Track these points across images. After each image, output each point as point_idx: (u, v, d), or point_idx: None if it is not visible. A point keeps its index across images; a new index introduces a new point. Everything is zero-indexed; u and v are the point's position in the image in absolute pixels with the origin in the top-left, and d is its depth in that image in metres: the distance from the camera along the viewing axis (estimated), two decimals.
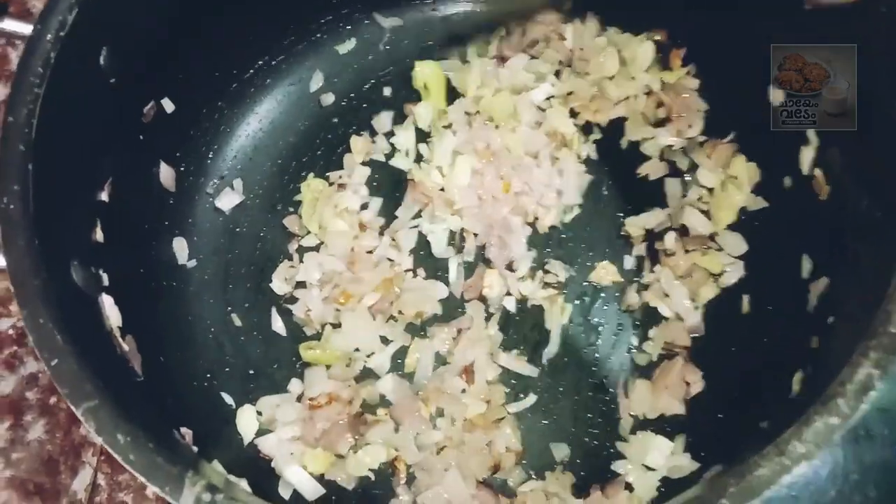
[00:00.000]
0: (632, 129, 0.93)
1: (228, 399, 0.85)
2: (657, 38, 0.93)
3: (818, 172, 0.76)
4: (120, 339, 0.70)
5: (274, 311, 0.89)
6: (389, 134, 0.97)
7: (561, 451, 0.81)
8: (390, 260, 0.90)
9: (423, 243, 0.91)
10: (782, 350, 0.73)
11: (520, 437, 0.82)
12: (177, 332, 0.86)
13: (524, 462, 0.81)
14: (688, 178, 0.90)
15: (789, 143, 0.78)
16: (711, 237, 0.87)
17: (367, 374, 0.86)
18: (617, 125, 0.94)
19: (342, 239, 0.90)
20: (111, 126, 0.77)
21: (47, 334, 0.57)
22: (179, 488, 0.52)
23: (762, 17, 0.77)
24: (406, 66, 0.98)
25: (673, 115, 0.92)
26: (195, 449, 0.70)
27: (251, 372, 0.87)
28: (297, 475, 0.79)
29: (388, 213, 0.93)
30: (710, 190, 0.88)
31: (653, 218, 0.89)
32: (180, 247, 0.90)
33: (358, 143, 0.96)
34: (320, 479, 0.80)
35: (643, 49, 0.93)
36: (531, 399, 0.83)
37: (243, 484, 0.65)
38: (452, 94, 0.97)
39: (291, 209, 0.94)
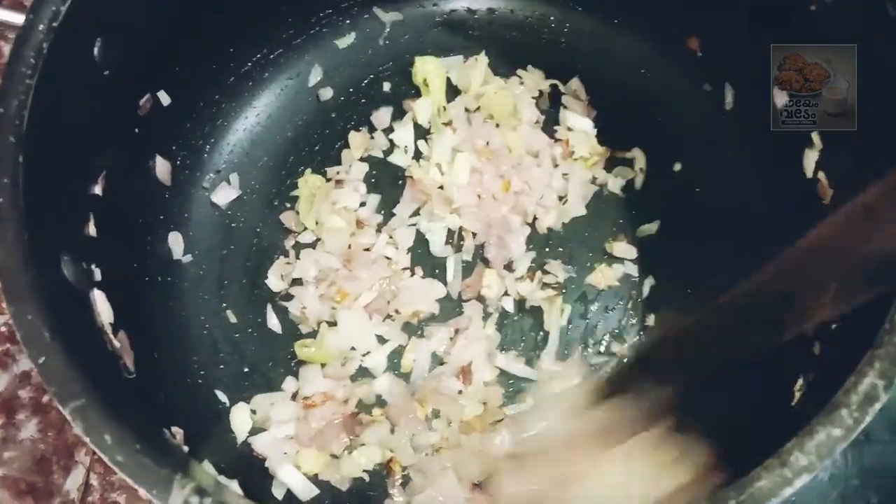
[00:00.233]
0: None
1: (222, 396, 0.83)
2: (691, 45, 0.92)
3: (822, 176, 0.75)
4: (111, 336, 0.69)
5: (269, 308, 0.88)
6: (388, 130, 0.95)
7: None
8: (388, 258, 0.89)
9: (421, 241, 0.90)
10: (783, 356, 0.72)
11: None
12: (170, 328, 0.85)
13: None
14: None
15: (793, 146, 0.78)
16: None
17: (363, 374, 0.85)
18: None
19: (339, 236, 0.89)
20: (106, 119, 0.76)
21: (35, 331, 0.56)
22: (168, 490, 0.51)
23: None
24: (406, 62, 0.97)
25: None
26: (186, 448, 0.69)
27: (245, 370, 0.86)
28: (290, 475, 0.78)
29: (386, 211, 0.92)
30: None
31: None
32: (175, 241, 0.89)
33: (356, 138, 0.95)
34: (314, 479, 0.79)
35: None
36: (530, 402, 0.82)
37: (234, 486, 0.64)
38: (452, 91, 0.96)
39: (288, 205, 0.92)
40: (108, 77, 0.73)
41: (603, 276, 0.87)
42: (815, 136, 0.76)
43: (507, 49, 0.98)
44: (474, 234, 0.90)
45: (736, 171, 0.88)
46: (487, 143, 0.92)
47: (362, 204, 0.92)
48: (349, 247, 0.89)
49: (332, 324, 0.86)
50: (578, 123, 0.93)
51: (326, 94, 0.97)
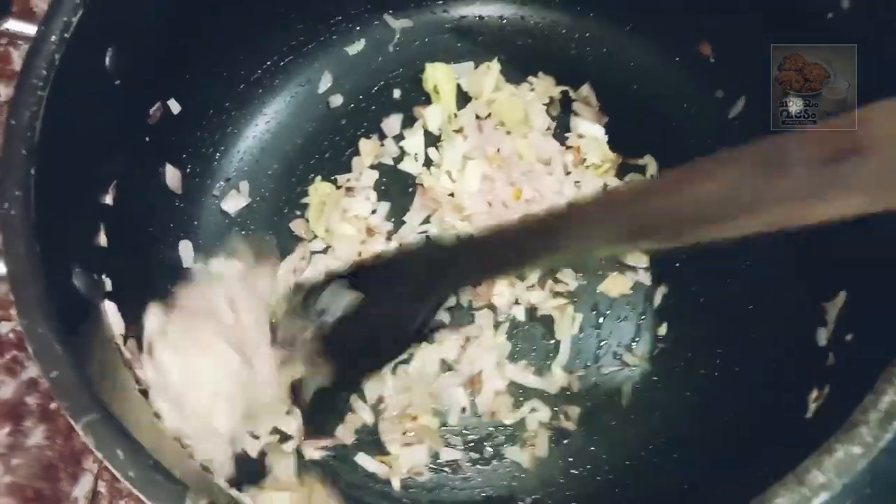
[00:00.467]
0: None
1: None
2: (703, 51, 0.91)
3: None
4: (122, 346, 0.69)
5: None
6: (398, 137, 0.95)
7: None
8: None
9: None
10: (795, 365, 0.72)
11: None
12: None
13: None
14: None
15: None
16: None
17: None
18: None
19: (349, 243, 0.89)
20: (116, 128, 0.76)
21: (47, 345, 0.55)
22: None
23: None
24: (416, 69, 0.96)
25: None
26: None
27: None
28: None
29: (397, 218, 0.91)
30: None
31: None
32: (185, 249, 0.89)
33: (366, 146, 0.94)
34: None
35: None
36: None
37: (247, 500, 0.64)
38: (463, 98, 0.95)
39: (298, 213, 0.92)
40: (118, 86, 0.73)
41: (615, 285, 0.87)
42: None
43: (518, 56, 0.97)
44: None
45: None
46: (498, 151, 0.91)
47: (373, 211, 0.91)
48: (359, 254, 0.89)
49: None
50: (589, 130, 0.93)
51: (336, 100, 0.97)
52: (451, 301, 0.87)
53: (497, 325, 0.86)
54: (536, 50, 0.98)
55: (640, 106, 0.94)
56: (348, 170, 0.94)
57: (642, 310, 0.86)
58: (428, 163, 0.93)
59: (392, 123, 0.95)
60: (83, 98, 0.69)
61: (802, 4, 0.75)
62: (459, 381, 0.83)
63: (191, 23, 0.81)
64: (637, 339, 0.85)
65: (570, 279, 0.87)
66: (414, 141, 0.94)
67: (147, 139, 0.81)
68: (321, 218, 0.90)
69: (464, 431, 0.82)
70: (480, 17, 0.99)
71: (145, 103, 0.81)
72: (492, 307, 0.87)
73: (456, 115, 0.94)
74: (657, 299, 0.86)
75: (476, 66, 0.96)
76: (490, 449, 0.82)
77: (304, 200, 0.92)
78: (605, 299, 0.87)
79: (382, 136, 0.95)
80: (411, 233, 0.90)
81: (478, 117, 0.94)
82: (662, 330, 0.85)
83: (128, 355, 0.68)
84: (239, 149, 0.95)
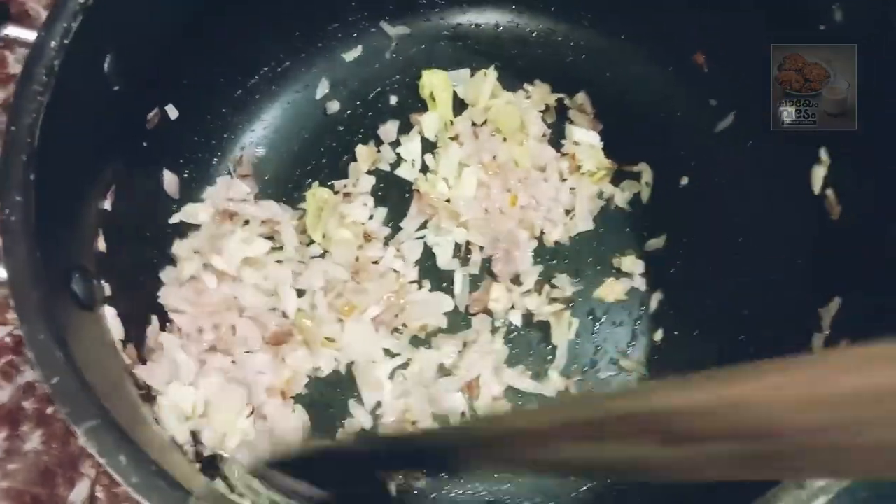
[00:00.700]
0: None
1: None
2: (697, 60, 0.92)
3: (830, 192, 0.76)
4: (122, 351, 0.69)
5: None
6: (395, 143, 0.95)
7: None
8: (395, 271, 0.89)
9: (428, 255, 0.90)
10: None
11: None
12: None
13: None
14: None
15: (801, 162, 0.78)
16: None
17: None
18: None
19: (347, 248, 0.89)
20: (115, 133, 0.76)
21: (48, 351, 0.55)
22: None
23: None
24: (413, 75, 0.97)
25: None
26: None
27: None
28: None
29: (394, 224, 0.92)
30: None
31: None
32: None
33: (363, 152, 0.95)
34: None
35: None
36: None
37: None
38: (459, 105, 0.96)
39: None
40: (117, 92, 0.73)
41: (611, 291, 0.87)
42: (822, 153, 0.76)
43: (513, 63, 0.98)
44: (481, 248, 0.90)
45: (743, 186, 0.88)
46: (494, 157, 0.92)
47: (370, 217, 0.92)
48: (357, 259, 0.89)
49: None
50: (585, 137, 0.94)
51: (333, 107, 0.97)
52: (449, 306, 0.88)
53: (494, 331, 0.87)
54: (532, 58, 0.99)
55: (635, 113, 0.95)
56: (345, 175, 0.94)
57: (638, 315, 0.87)
58: (424, 169, 0.94)
59: (389, 130, 0.96)
60: (82, 104, 0.69)
61: (804, 4, 0.75)
62: (457, 386, 0.84)
63: (189, 29, 0.81)
64: (633, 344, 0.86)
65: (566, 285, 0.88)
66: (410, 147, 0.94)
67: (145, 144, 0.81)
68: (319, 223, 0.90)
69: None
70: (477, 25, 1.00)
71: (143, 109, 0.81)
72: (489, 312, 0.88)
73: (452, 122, 0.95)
74: (653, 305, 0.87)
75: (472, 74, 0.97)
76: None
77: (302, 206, 0.92)
78: (601, 305, 0.88)
79: (379, 143, 0.96)
80: (408, 238, 0.90)
81: (474, 124, 0.94)
82: (658, 335, 0.86)
83: (127, 360, 0.68)
84: (236, 154, 0.95)
